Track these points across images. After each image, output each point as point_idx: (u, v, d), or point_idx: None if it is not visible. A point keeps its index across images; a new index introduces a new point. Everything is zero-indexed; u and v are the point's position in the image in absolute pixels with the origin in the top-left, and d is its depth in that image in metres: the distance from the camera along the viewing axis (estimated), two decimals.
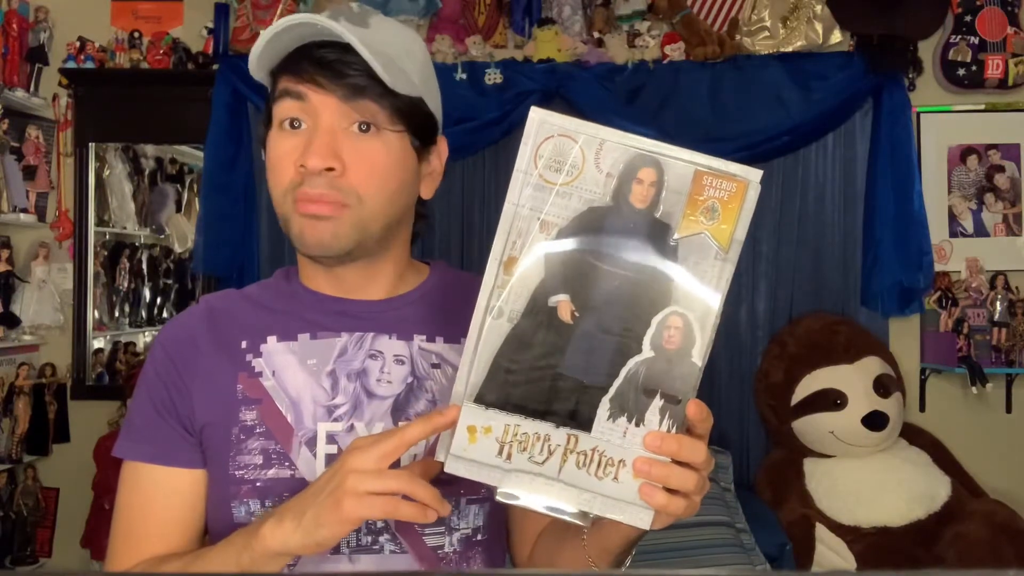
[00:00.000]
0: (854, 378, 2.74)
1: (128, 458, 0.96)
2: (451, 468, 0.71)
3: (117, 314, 3.31)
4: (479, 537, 0.95)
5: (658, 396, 0.70)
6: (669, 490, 0.71)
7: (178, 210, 3.41)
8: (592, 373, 0.70)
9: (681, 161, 0.69)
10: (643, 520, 0.71)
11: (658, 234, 0.69)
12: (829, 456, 2.77)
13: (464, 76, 2.99)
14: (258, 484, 0.91)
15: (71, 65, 3.06)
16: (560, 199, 0.69)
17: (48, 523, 3.06)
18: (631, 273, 0.70)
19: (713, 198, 0.69)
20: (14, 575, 2.80)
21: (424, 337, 0.97)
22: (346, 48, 0.86)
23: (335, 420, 0.92)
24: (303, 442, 0.92)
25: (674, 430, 0.71)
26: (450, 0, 3.02)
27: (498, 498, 0.72)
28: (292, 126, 0.90)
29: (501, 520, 1.00)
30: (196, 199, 3.26)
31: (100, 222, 3.22)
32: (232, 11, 3.07)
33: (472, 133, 2.95)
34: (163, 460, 0.94)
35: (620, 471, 0.70)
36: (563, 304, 0.70)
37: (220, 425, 0.93)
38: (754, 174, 0.70)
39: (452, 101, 3.09)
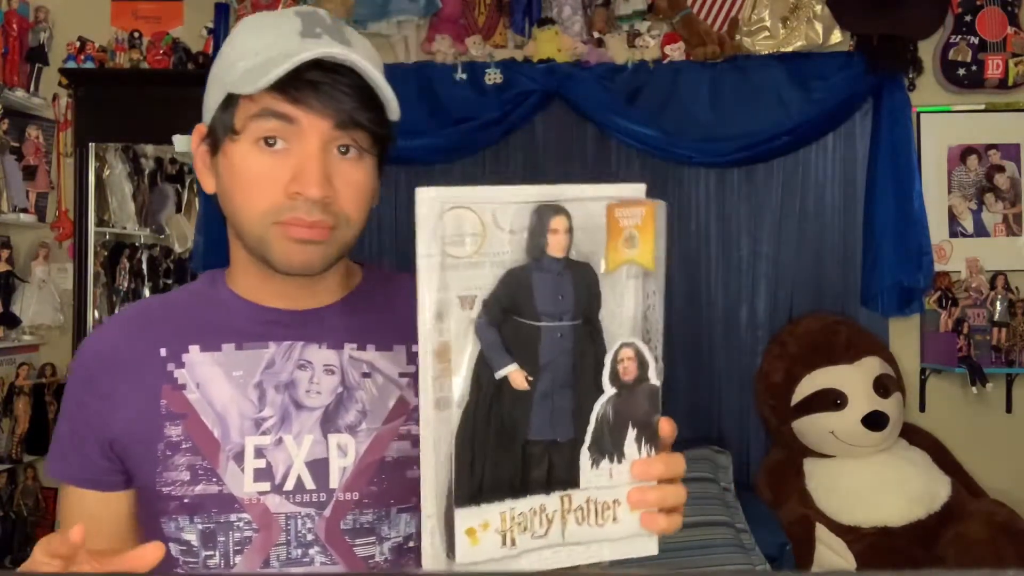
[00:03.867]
0: (854, 378, 2.74)
1: (57, 478, 0.96)
2: None
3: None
4: (410, 544, 0.94)
5: (630, 427, 0.71)
6: (663, 510, 0.73)
7: (178, 210, 3.41)
8: (561, 429, 0.69)
9: (585, 200, 0.69)
10: (650, 548, 0.73)
11: (582, 276, 0.69)
12: (829, 456, 2.77)
13: (464, 76, 2.99)
14: (186, 500, 0.90)
15: (71, 65, 3.06)
16: (473, 270, 0.67)
17: (48, 523, 3.06)
18: (570, 322, 0.69)
19: (628, 227, 0.69)
20: (14, 575, 2.80)
21: (355, 345, 0.95)
22: (333, 68, 0.85)
23: (263, 433, 0.91)
24: (230, 457, 0.90)
25: (653, 453, 0.72)
26: (450, 0, 3.03)
27: None
28: (267, 143, 0.87)
29: None
30: (196, 199, 3.25)
31: (100, 222, 3.22)
32: (232, 11, 3.07)
33: (472, 133, 2.95)
34: (87, 484, 0.95)
35: (617, 511, 0.71)
36: (515, 373, 0.68)
37: (144, 441, 0.91)
38: (642, 189, 0.70)
39: (452, 101, 3.10)
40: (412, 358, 0.96)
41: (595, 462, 0.70)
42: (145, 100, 3.10)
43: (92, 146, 3.15)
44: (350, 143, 0.88)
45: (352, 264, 1.02)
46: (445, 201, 0.67)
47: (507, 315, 0.68)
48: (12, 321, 2.95)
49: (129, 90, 3.11)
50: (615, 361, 0.70)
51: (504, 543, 0.68)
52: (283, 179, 0.86)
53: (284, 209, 0.87)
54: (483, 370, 0.67)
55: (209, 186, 0.94)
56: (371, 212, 1.01)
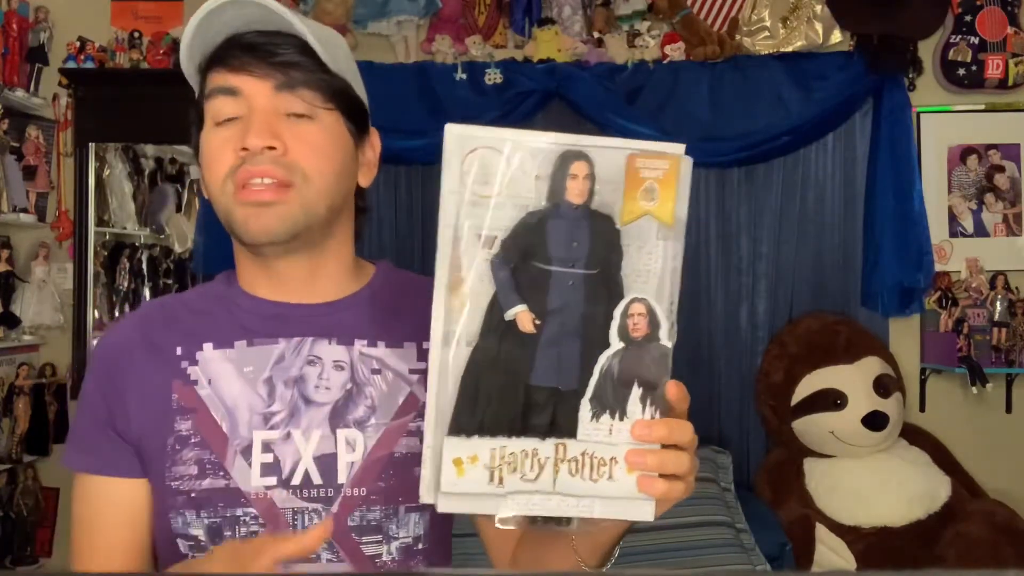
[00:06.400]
0: (854, 378, 2.74)
1: (74, 469, 0.96)
2: (444, 507, 0.68)
3: (117, 314, 3.31)
4: (419, 546, 0.94)
5: (635, 385, 0.69)
6: (665, 476, 0.70)
7: (178, 210, 3.41)
8: (565, 378, 0.69)
9: (610, 148, 0.68)
10: (646, 512, 0.70)
11: (602, 226, 0.69)
12: (829, 456, 2.77)
13: (464, 76, 2.99)
14: (193, 495, 0.90)
15: (71, 65, 3.06)
16: (496, 211, 0.67)
17: (48, 523, 3.05)
18: (583, 270, 0.69)
19: (650, 179, 0.68)
20: (14, 575, 2.80)
21: (365, 342, 0.95)
22: (274, 33, 0.88)
23: (271, 428, 0.91)
24: (238, 451, 0.90)
25: (657, 415, 0.70)
26: (450, 0, 3.03)
27: (498, 525, 0.71)
28: (226, 120, 0.90)
29: (444, 529, 0.98)
30: (196, 199, 3.26)
31: (100, 222, 3.22)
32: None
33: None
34: (106, 471, 0.94)
35: (614, 469, 0.69)
36: (523, 315, 0.68)
37: (156, 435, 0.92)
38: (679, 148, 0.69)
39: (452, 101, 3.09)
40: (423, 355, 0.96)
41: (595, 415, 0.69)
42: (145, 100, 3.09)
43: (92, 146, 3.15)
44: (302, 109, 0.90)
45: (363, 260, 1.03)
46: (472, 139, 0.67)
47: (524, 258, 0.68)
48: (12, 321, 2.95)
49: (129, 90, 3.11)
50: (624, 315, 0.69)
51: (491, 480, 0.68)
52: (236, 143, 0.89)
53: (236, 167, 0.88)
54: (495, 312, 0.68)
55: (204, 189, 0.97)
56: (368, 198, 1.01)
